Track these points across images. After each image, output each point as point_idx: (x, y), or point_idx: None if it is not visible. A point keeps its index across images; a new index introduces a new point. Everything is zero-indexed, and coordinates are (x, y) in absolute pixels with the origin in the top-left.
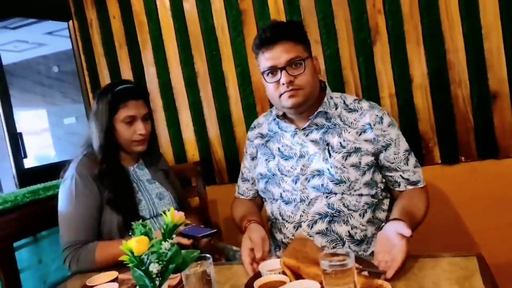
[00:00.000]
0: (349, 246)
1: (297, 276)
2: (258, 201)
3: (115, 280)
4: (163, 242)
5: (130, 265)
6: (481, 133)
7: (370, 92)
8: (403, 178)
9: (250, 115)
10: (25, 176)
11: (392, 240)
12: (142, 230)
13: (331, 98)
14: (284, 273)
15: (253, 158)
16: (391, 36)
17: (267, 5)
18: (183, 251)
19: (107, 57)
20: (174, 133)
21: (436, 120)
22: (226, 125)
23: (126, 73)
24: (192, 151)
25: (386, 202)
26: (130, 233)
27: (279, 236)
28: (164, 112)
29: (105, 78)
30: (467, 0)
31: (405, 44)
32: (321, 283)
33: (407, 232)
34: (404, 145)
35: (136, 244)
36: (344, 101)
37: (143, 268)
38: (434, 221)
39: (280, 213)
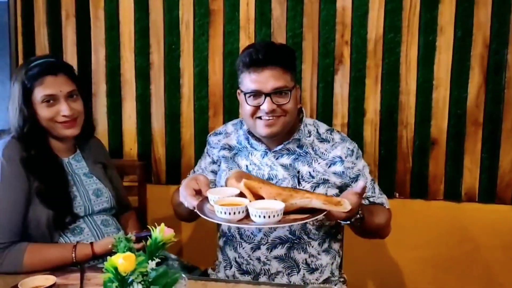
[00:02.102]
0: (303, 274)
1: (256, 198)
2: None
3: (52, 286)
4: (149, 261)
5: (111, 284)
6: (416, 174)
7: (324, 118)
8: (369, 201)
9: (201, 118)
10: None
11: (346, 196)
12: (126, 246)
13: (306, 125)
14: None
15: (213, 162)
16: (353, 69)
17: (238, 10)
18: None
19: (49, 26)
20: (114, 122)
21: (380, 156)
22: (173, 124)
23: (70, 49)
24: (131, 145)
25: (342, 232)
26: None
27: (232, 254)
28: (106, 98)
29: (42, 52)
30: (426, 51)
31: (365, 79)
32: (283, 201)
33: (360, 186)
34: (369, 176)
35: (123, 261)
36: (317, 129)
37: None
38: (360, 242)
39: (239, 231)
